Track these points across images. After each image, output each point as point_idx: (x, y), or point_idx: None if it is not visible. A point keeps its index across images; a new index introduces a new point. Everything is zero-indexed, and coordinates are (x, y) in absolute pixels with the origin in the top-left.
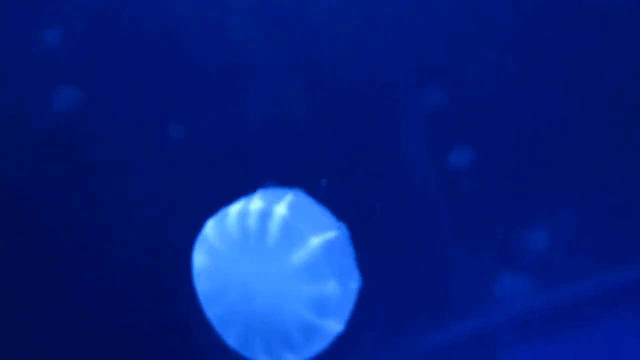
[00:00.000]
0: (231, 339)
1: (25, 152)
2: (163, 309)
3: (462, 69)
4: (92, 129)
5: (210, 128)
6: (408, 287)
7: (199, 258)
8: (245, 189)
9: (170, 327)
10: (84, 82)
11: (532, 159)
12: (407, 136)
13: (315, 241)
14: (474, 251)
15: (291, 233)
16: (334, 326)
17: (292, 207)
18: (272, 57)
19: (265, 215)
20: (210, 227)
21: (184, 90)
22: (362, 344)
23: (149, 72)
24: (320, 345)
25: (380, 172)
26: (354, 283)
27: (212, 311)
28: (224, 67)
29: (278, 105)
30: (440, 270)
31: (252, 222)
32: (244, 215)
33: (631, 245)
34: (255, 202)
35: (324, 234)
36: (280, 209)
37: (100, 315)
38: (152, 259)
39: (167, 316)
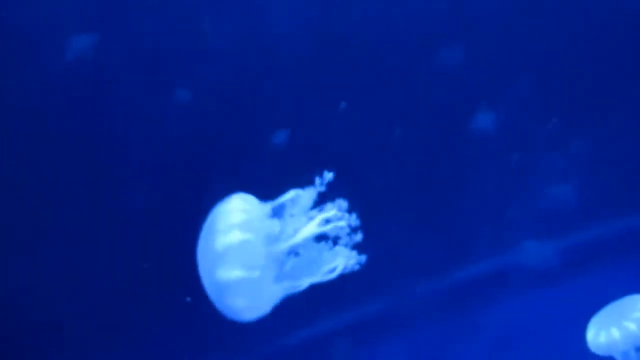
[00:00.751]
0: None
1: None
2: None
3: (477, 23)
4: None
5: (216, 89)
6: (426, 233)
7: None
8: (252, 148)
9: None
10: (97, 29)
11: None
12: (426, 93)
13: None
14: (493, 204)
15: (228, 255)
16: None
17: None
18: (284, 21)
19: (224, 230)
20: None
21: (192, 53)
22: (373, 284)
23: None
24: None
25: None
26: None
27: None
28: (233, 31)
29: (286, 67)
30: (457, 219)
31: (221, 224)
32: (223, 214)
33: None
34: (235, 215)
35: (248, 271)
36: (234, 236)
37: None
38: (156, 218)
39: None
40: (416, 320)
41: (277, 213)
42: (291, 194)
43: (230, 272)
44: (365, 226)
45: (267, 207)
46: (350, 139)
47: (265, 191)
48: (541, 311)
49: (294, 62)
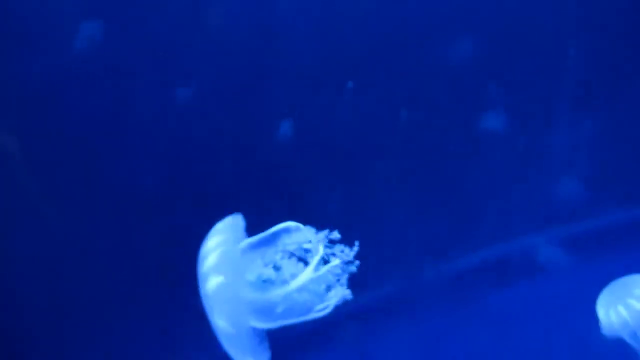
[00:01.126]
0: None
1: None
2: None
3: (489, 17)
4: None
5: (218, 86)
6: (433, 218)
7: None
8: (255, 143)
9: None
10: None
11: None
12: (433, 83)
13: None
14: (499, 191)
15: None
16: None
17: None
18: (291, 17)
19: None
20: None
21: (193, 49)
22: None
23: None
24: None
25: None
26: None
27: None
28: (236, 26)
29: (292, 62)
30: (465, 205)
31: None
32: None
33: None
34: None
35: (232, 326)
36: (216, 280)
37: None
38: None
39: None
40: (423, 305)
41: (267, 243)
42: (286, 225)
43: (218, 321)
44: (371, 213)
45: (259, 237)
46: (356, 125)
47: (267, 192)
48: (548, 298)
49: (297, 57)
